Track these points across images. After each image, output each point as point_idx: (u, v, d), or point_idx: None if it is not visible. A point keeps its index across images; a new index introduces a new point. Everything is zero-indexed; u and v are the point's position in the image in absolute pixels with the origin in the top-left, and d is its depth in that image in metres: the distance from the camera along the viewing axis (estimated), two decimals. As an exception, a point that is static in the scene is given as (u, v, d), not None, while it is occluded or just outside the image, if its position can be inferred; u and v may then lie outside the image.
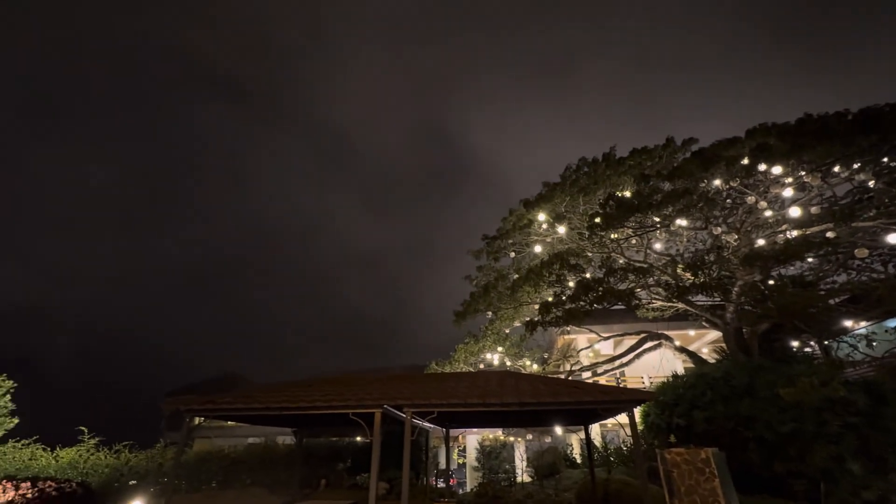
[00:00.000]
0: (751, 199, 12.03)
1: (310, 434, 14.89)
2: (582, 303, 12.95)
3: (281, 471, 14.69)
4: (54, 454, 14.31)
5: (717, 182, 12.03)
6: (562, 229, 15.01)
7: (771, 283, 12.26)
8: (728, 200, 13.18)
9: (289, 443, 16.28)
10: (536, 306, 14.62)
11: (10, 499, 9.66)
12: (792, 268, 12.53)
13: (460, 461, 25.19)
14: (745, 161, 11.14)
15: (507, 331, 17.00)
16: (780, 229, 12.24)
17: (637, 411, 10.64)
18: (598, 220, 12.77)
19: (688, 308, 13.61)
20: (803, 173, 11.11)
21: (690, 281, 12.54)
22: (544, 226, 15.64)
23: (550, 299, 13.90)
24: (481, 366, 17.41)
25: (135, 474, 14.11)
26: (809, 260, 12.05)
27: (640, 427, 11.80)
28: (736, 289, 12.27)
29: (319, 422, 11.77)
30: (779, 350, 12.62)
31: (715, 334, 20.49)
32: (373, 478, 7.73)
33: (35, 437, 14.66)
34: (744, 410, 9.86)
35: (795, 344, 12.90)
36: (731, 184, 11.79)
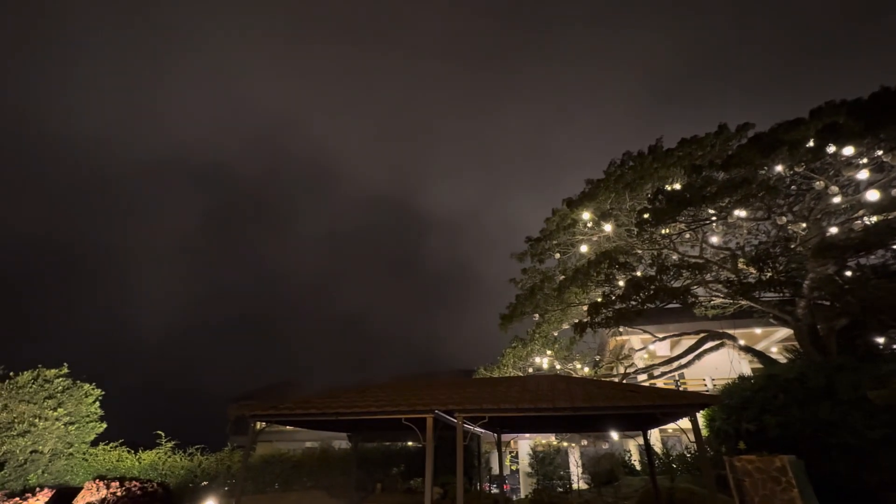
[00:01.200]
0: (819, 185, 11.07)
1: (364, 439, 15.28)
2: (633, 302, 12.44)
3: (338, 474, 15.17)
4: (137, 456, 15.62)
5: (779, 168, 11.17)
6: (608, 227, 14.52)
7: (848, 274, 11.19)
8: (793, 187, 12.21)
9: (344, 447, 16.81)
10: (585, 307, 14.21)
11: (102, 496, 10.67)
12: (873, 257, 11.38)
13: (513, 467, 24.85)
14: (811, 143, 10.29)
15: (556, 334, 16.63)
16: (855, 215, 11.17)
17: (701, 416, 10.06)
18: (646, 215, 12.25)
19: (752, 305, 12.70)
20: (880, 153, 10.08)
21: (754, 276, 11.70)
22: (589, 224, 15.21)
23: (599, 300, 13.46)
24: (530, 370, 17.13)
25: (206, 476, 15.10)
26: (894, 247, 10.88)
27: (704, 432, 11.13)
28: (807, 282, 11.31)
29: (373, 427, 12.06)
30: (861, 348, 11.47)
31: (785, 332, 18.94)
32: (427, 482, 7.80)
33: (121, 441, 16.08)
34: (823, 415, 9.04)
35: (881, 341, 11.67)
36: (796, 169, 10.91)
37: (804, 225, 11.66)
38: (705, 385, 20.18)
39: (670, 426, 15.13)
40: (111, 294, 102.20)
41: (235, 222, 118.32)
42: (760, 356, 13.67)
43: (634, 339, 20.51)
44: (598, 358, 18.92)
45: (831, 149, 10.17)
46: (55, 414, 14.61)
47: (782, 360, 13.34)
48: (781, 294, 12.47)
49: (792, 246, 11.87)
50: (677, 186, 13.16)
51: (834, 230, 11.15)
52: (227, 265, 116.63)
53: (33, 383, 14.70)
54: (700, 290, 13.41)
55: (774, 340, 20.69)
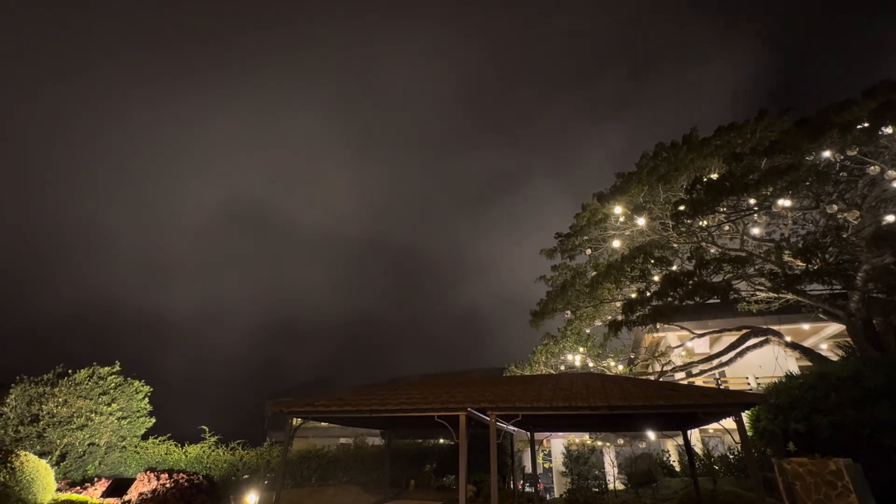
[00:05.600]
0: (874, 170, 10.35)
1: (397, 436, 15.48)
2: (670, 299, 12.01)
3: (372, 470, 15.44)
4: (184, 450, 16.39)
5: (828, 154, 10.52)
6: (641, 221, 14.06)
7: (908, 265, 10.43)
8: (843, 173, 11.47)
9: (377, 444, 17.08)
10: (618, 304, 13.84)
11: (154, 487, 11.27)
12: (936, 246, 10.55)
13: (546, 465, 24.59)
14: (865, 125, 9.62)
15: (588, 331, 16.29)
16: (916, 201, 10.40)
17: (745, 416, 9.64)
18: (683, 207, 11.78)
19: (800, 299, 12.03)
20: (944, 133, 9.34)
21: (802, 268, 11.08)
22: (621, 219, 14.77)
23: (634, 296, 13.07)
24: (562, 367, 16.87)
25: (247, 469, 15.68)
26: (960, 235, 10.04)
27: (748, 433, 10.66)
28: (861, 274, 10.62)
29: (405, 424, 12.19)
30: (924, 344, 10.69)
31: (835, 328, 17.85)
32: (461, 480, 7.82)
33: (168, 435, 16.93)
34: (882, 415, 8.49)
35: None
36: (848, 153, 10.23)
37: (857, 213, 10.93)
38: (748, 384, 19.29)
39: (711, 426, 14.56)
40: (159, 300, 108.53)
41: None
42: (809, 353, 12.96)
43: (671, 335, 19.84)
44: (632, 355, 18.43)
45: (888, 130, 9.50)
46: (109, 409, 15.52)
47: (833, 357, 12.59)
48: (831, 287, 11.76)
49: (843, 235, 11.16)
50: (714, 177, 12.62)
51: (891, 218, 10.41)
52: (262, 272, 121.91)
53: (89, 380, 15.67)
54: (742, 285, 12.81)
55: (824, 337, 19.54)
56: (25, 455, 10.75)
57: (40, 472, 10.81)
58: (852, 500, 6.45)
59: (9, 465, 10.12)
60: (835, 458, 7.01)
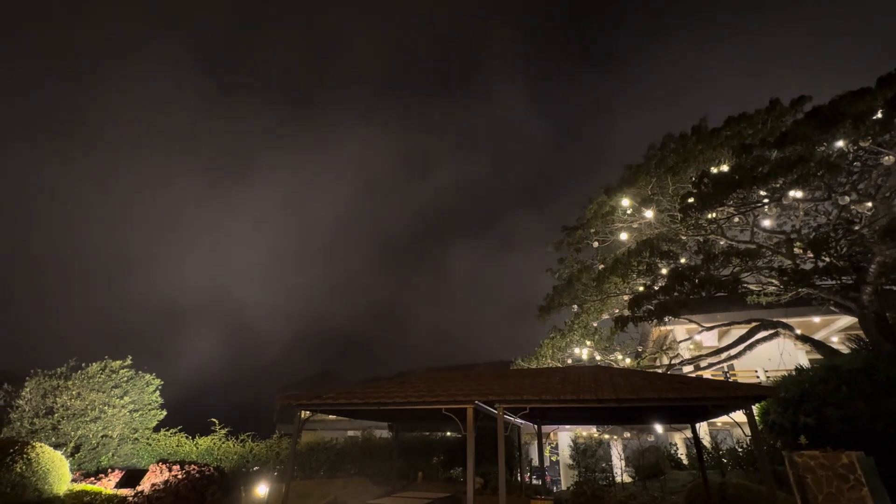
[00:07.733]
0: (888, 160, 10.14)
1: (404, 428, 15.57)
2: (677, 293, 11.92)
3: (380, 462, 15.57)
4: (194, 442, 16.63)
5: (840, 144, 10.32)
6: (649, 214, 13.94)
7: (922, 257, 10.25)
8: (856, 164, 11.27)
9: (385, 436, 17.22)
10: (626, 297, 13.78)
11: (166, 478, 11.48)
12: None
13: (553, 458, 24.66)
14: (879, 115, 9.43)
15: (595, 324, 16.24)
16: (932, 192, 10.20)
17: (754, 409, 9.58)
18: (691, 200, 11.65)
19: (810, 292, 11.89)
20: (962, 122, 9.13)
21: (812, 262, 10.94)
22: (629, 211, 14.66)
23: (641, 289, 13.00)
24: (569, 361, 16.85)
25: (257, 461, 15.89)
26: (977, 227, 9.84)
27: (758, 426, 10.60)
28: (874, 267, 10.46)
29: (413, 417, 12.26)
30: (938, 337, 10.53)
31: (847, 320, 17.65)
32: (469, 472, 7.86)
33: (179, 427, 17.17)
34: (894, 408, 8.39)
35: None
36: (861, 144, 10.04)
37: (870, 204, 10.74)
38: (757, 377, 19.17)
39: (720, 419, 14.50)
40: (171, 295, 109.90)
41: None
42: (820, 346, 12.83)
43: (679, 328, 19.74)
44: (640, 349, 18.36)
45: (903, 120, 9.29)
46: (121, 402, 15.79)
47: (844, 350, 12.47)
48: (842, 280, 11.61)
49: (856, 228, 10.99)
50: (724, 168, 12.45)
51: (905, 209, 10.23)
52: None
53: (101, 373, 15.93)
54: (751, 278, 12.68)
55: (835, 329, 19.33)
56: (41, 447, 10.97)
57: (55, 464, 11.03)
58: (864, 494, 6.40)
59: (25, 456, 10.34)
60: (846, 451, 6.96)
